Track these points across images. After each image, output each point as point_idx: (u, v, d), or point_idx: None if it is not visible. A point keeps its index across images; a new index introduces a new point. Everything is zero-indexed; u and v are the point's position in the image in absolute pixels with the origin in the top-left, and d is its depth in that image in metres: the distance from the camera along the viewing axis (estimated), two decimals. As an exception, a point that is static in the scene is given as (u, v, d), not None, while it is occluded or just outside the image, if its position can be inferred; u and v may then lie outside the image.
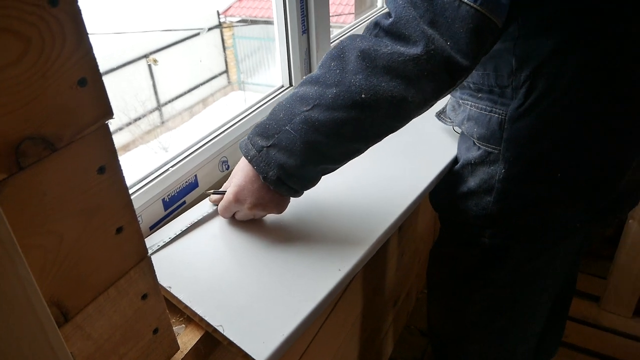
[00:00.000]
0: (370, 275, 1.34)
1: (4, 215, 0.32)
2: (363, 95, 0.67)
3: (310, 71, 1.08)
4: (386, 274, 1.45)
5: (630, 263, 1.80)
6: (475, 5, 0.64)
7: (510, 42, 0.80)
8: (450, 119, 1.03)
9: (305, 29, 1.04)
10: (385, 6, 1.44)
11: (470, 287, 1.07)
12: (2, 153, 0.37)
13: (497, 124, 0.87)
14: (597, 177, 0.89)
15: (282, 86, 1.08)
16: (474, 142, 0.94)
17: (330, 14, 1.10)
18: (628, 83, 0.81)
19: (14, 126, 0.37)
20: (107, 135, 0.44)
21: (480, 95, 0.90)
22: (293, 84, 1.07)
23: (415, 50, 0.66)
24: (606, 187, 0.91)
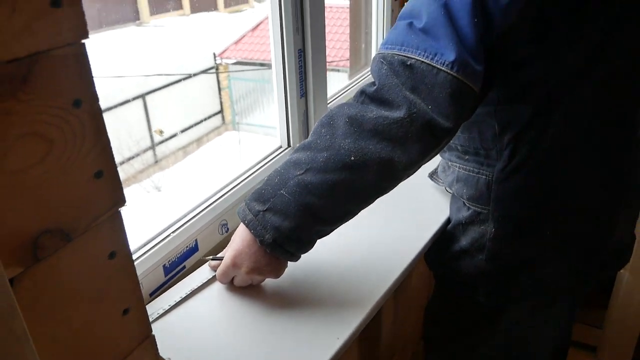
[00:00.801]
0: (366, 332, 1.33)
1: (19, 310, 0.34)
2: (352, 158, 0.71)
3: (307, 132, 1.11)
4: (382, 330, 1.45)
5: (624, 313, 1.81)
6: (452, 72, 0.68)
7: (491, 106, 0.85)
8: (441, 180, 1.06)
9: (303, 93, 1.07)
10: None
11: (465, 345, 1.08)
12: (21, 247, 0.38)
13: (484, 184, 0.90)
14: (585, 236, 0.91)
15: (281, 147, 1.10)
16: (464, 202, 0.96)
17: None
18: (607, 145, 0.86)
19: (33, 221, 0.39)
20: (120, 221, 0.46)
21: (467, 157, 0.93)
22: (291, 145, 1.10)
23: (398, 114, 0.69)
24: (595, 245, 0.93)
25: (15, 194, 0.37)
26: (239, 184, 0.96)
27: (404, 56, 0.70)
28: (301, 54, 1.04)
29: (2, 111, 0.35)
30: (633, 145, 0.91)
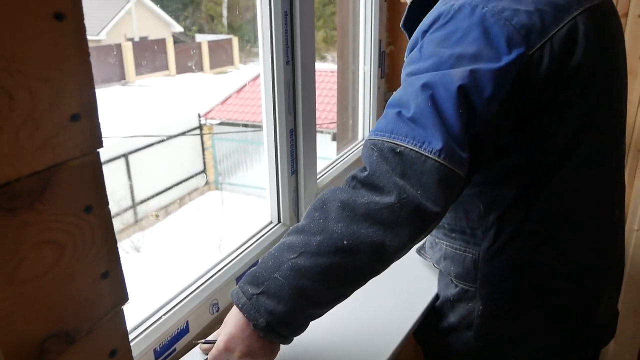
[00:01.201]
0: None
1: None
2: (345, 242, 0.72)
3: (297, 209, 1.13)
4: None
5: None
6: (439, 160, 0.71)
7: (477, 188, 0.88)
8: (429, 256, 1.08)
9: (294, 171, 1.10)
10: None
11: None
12: (27, 354, 0.39)
13: (471, 263, 0.92)
14: (570, 312, 0.93)
15: (271, 222, 1.12)
16: (451, 279, 0.98)
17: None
18: (589, 223, 0.89)
19: (41, 326, 0.39)
20: (122, 319, 0.47)
21: (454, 235, 0.96)
22: (281, 221, 1.12)
23: (389, 199, 0.72)
24: (581, 322, 0.95)
25: (26, 301, 0.38)
26: (229, 262, 0.97)
27: (394, 143, 0.73)
28: (292, 134, 1.08)
29: (19, 223, 0.36)
30: (613, 223, 0.95)
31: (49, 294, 0.39)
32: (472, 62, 0.74)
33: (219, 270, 0.94)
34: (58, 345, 0.41)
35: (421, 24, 0.84)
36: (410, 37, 0.92)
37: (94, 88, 0.41)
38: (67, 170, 0.39)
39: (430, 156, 0.71)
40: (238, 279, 0.95)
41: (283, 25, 0.99)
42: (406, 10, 0.96)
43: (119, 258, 0.45)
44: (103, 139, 0.42)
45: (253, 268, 0.78)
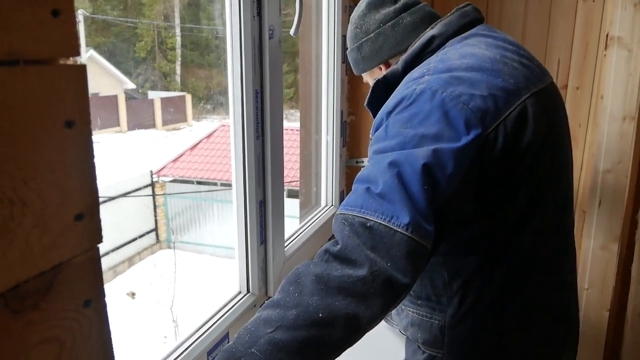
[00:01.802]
0: None
1: None
2: (320, 314, 0.74)
3: (266, 278, 1.15)
4: None
5: None
6: (407, 233, 0.75)
7: (441, 257, 0.93)
8: (396, 323, 1.11)
9: (263, 240, 1.12)
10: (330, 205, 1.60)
11: None
12: None
13: (438, 329, 0.96)
14: None
15: (240, 292, 1.13)
16: (418, 346, 1.01)
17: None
18: (543, 287, 0.95)
19: None
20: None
21: (420, 302, 0.99)
22: (250, 291, 1.13)
23: (361, 272, 0.75)
24: None
25: (26, 402, 0.38)
26: (200, 336, 0.96)
27: (364, 218, 0.77)
28: (262, 205, 1.11)
29: (24, 324, 0.37)
30: (567, 288, 1.01)
31: (47, 392, 0.40)
32: (434, 142, 0.80)
33: (190, 346, 0.93)
34: None
35: (385, 105, 0.90)
36: (374, 114, 0.99)
37: (97, 187, 0.43)
38: (70, 267, 0.41)
39: (399, 230, 0.75)
40: (209, 353, 0.95)
41: (254, 102, 1.04)
42: (370, 90, 1.03)
43: (113, 349, 0.46)
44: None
45: (229, 344, 0.78)
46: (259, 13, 1.01)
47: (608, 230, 1.73)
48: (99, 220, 0.43)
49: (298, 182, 1.65)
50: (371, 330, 1.15)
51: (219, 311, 1.05)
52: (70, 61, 0.40)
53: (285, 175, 1.19)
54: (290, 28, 1.13)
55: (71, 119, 0.40)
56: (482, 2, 2.01)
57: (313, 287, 0.76)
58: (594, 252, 1.75)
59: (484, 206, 0.88)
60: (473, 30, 1.00)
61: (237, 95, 1.03)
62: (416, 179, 0.78)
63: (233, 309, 1.07)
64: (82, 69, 0.41)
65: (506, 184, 0.88)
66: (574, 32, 1.88)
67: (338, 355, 0.80)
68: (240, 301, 1.09)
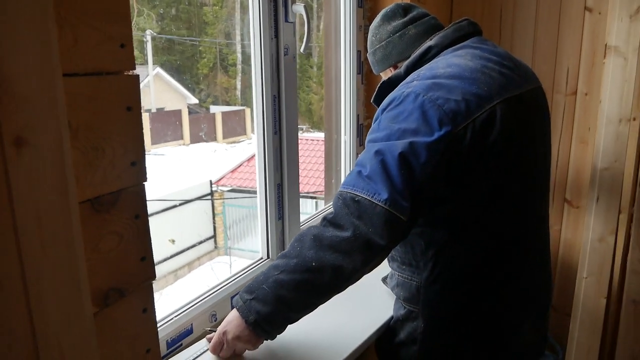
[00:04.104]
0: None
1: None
2: (314, 264, 0.98)
3: (283, 247, 1.42)
4: None
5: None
6: (385, 206, 0.96)
7: (419, 228, 1.13)
8: (389, 285, 1.34)
9: (280, 216, 1.40)
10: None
11: None
12: (99, 296, 0.67)
13: (415, 288, 1.18)
14: (495, 334, 1.17)
15: (262, 258, 1.40)
16: (401, 303, 1.23)
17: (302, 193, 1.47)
18: (505, 261, 1.14)
19: (107, 281, 0.68)
20: (151, 289, 0.75)
21: (404, 267, 1.22)
22: (270, 257, 1.40)
23: (346, 234, 0.98)
24: (506, 343, 1.19)
25: (101, 265, 0.67)
26: (226, 284, 1.24)
27: (354, 194, 0.99)
28: (279, 187, 1.38)
29: (101, 219, 0.66)
30: (532, 263, 1.19)
31: (114, 262, 0.68)
32: (412, 135, 0.98)
33: (218, 290, 1.21)
34: (114, 296, 0.69)
35: (382, 103, 1.10)
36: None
37: (144, 147, 0.71)
38: (128, 193, 0.69)
39: (379, 204, 0.96)
40: (232, 297, 1.23)
41: (272, 105, 1.32)
42: (376, 89, 1.24)
43: (152, 250, 0.74)
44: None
45: (249, 282, 1.06)
46: (276, 35, 1.29)
47: (605, 224, 1.87)
48: (145, 168, 0.72)
49: (323, 189, 1.91)
50: (373, 291, 1.39)
51: (243, 270, 1.33)
52: (130, 73, 0.69)
53: (311, 183, 1.45)
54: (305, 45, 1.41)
55: (130, 105, 0.69)
56: (496, 16, 2.20)
57: (311, 244, 1.00)
58: (592, 243, 1.89)
59: (455, 189, 1.06)
60: (465, 42, 1.17)
61: (259, 99, 1.32)
62: (395, 164, 0.97)
63: (254, 269, 1.34)
64: (137, 77, 0.69)
65: (474, 172, 1.05)
66: (581, 42, 2.04)
67: (326, 298, 1.04)
68: (261, 264, 1.37)
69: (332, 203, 1.05)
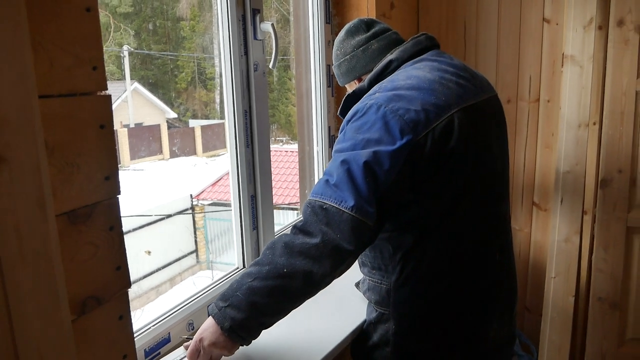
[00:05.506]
0: None
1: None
2: (285, 270, 1.02)
3: (258, 256, 1.46)
4: None
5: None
6: (352, 213, 1.01)
7: (387, 233, 1.18)
8: (361, 290, 1.39)
9: (255, 227, 1.44)
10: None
11: None
12: (77, 304, 0.70)
13: (385, 292, 1.23)
14: (465, 333, 1.22)
15: (237, 267, 1.44)
16: (373, 306, 1.28)
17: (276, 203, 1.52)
18: (470, 263, 1.19)
19: (84, 290, 0.72)
20: (126, 297, 0.79)
21: (374, 271, 1.27)
22: (245, 266, 1.44)
23: (316, 240, 1.02)
24: (476, 341, 1.23)
25: (78, 274, 0.70)
26: (203, 294, 1.28)
27: (322, 202, 1.03)
28: (253, 199, 1.43)
29: (77, 231, 0.70)
30: (496, 264, 1.24)
31: (90, 272, 0.72)
32: (376, 145, 1.03)
33: (194, 299, 1.25)
34: (92, 304, 0.73)
35: (347, 115, 1.15)
36: None
37: (117, 163, 0.76)
38: (102, 205, 0.73)
39: (346, 211, 1.01)
40: (208, 306, 1.26)
41: (244, 119, 1.38)
42: (342, 102, 1.28)
43: (127, 260, 0.78)
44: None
45: (223, 290, 1.10)
46: (246, 52, 1.35)
47: (570, 225, 1.95)
48: (118, 181, 0.76)
49: (297, 199, 1.95)
50: (347, 295, 1.44)
51: (220, 279, 1.37)
52: (102, 93, 0.73)
53: (292, 194, 1.50)
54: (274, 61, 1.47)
55: (102, 123, 0.73)
56: (460, 29, 2.28)
57: (282, 251, 1.04)
58: (559, 244, 1.97)
59: (419, 195, 1.11)
60: (424, 56, 1.23)
61: (230, 114, 1.37)
62: (360, 173, 1.02)
63: (230, 278, 1.38)
64: (109, 97, 0.74)
65: (436, 177, 1.10)
66: (541, 51, 2.13)
67: (298, 303, 1.08)
68: (237, 273, 1.41)
69: (301, 211, 1.08)
